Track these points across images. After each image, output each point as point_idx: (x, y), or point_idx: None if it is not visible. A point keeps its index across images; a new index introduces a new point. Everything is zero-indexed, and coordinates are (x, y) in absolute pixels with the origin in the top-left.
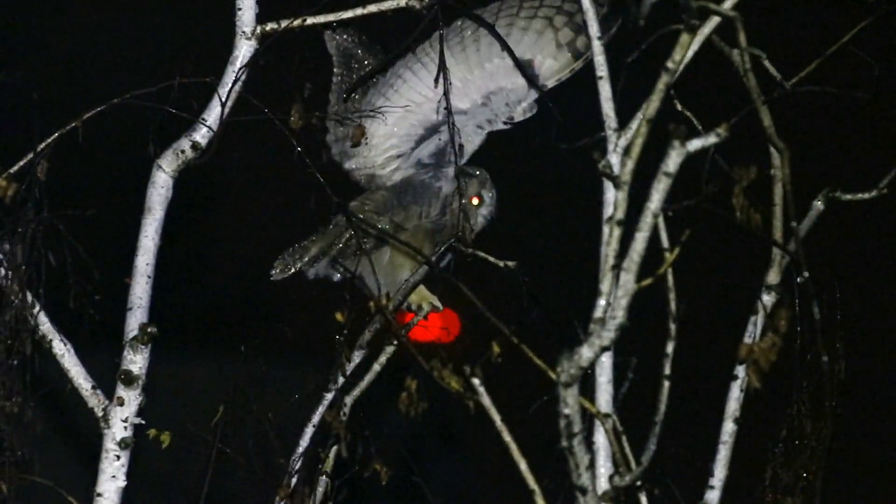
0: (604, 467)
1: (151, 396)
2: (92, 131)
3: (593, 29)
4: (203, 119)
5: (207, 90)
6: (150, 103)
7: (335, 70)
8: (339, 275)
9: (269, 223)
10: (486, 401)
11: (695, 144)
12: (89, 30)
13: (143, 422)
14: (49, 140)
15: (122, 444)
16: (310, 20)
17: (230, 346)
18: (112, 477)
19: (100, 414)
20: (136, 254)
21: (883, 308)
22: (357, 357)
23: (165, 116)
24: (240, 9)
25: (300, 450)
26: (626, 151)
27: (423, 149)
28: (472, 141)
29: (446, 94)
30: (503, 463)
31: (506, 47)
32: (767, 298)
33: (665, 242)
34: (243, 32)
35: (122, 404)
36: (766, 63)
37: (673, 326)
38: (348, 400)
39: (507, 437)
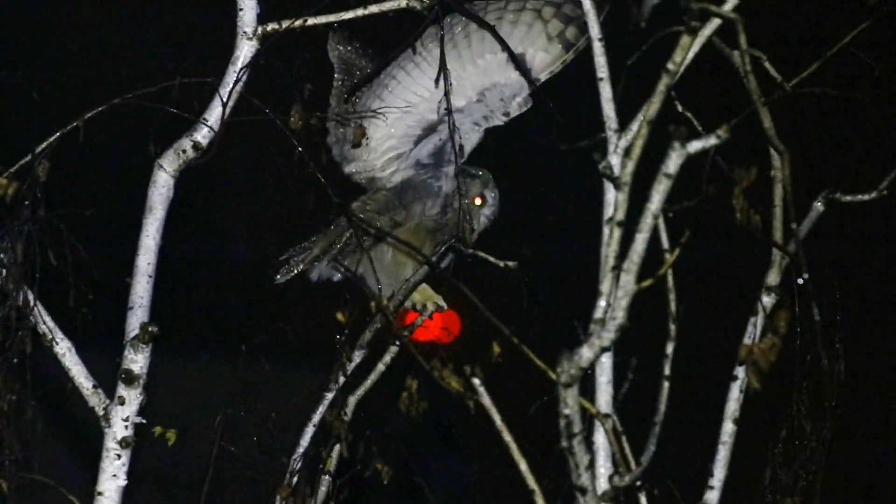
0: (604, 467)
1: (152, 396)
2: (93, 131)
3: (594, 30)
4: (204, 119)
5: (208, 90)
6: (151, 103)
7: (336, 75)
8: (340, 275)
9: (269, 223)
10: (486, 401)
11: (695, 146)
12: (90, 30)
13: (144, 421)
14: (50, 140)
15: (123, 442)
16: (311, 21)
17: (231, 346)
18: (113, 476)
19: (101, 413)
20: (138, 253)
21: (883, 308)
22: (358, 357)
23: (166, 116)
24: (241, 9)
25: (301, 449)
26: (627, 153)
27: (422, 149)
28: (469, 139)
29: (447, 94)
30: (503, 463)
31: (500, 41)
32: (767, 299)
33: (665, 243)
34: (244, 33)
35: (122, 403)
36: (767, 64)
37: (673, 327)
38: (352, 400)
39: (507, 437)
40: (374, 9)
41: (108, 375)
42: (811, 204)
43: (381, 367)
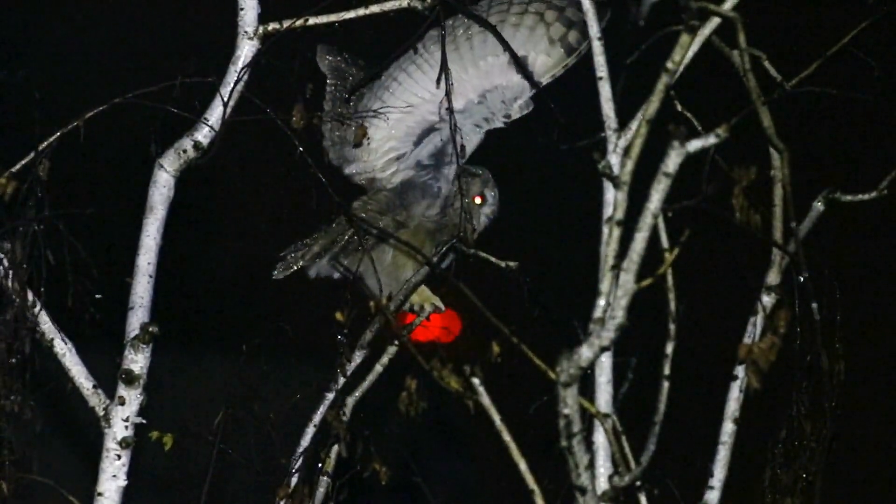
0: (603, 467)
1: (152, 396)
2: (94, 131)
3: (593, 30)
4: (205, 119)
5: (209, 90)
6: (152, 103)
7: (329, 80)
8: (339, 273)
9: (270, 223)
10: (486, 401)
11: (694, 145)
12: (91, 29)
13: (144, 421)
14: (51, 139)
15: (123, 443)
16: (312, 20)
17: (231, 346)
18: (113, 476)
19: (101, 413)
20: (138, 253)
21: (883, 308)
22: (358, 357)
23: (167, 116)
24: (242, 9)
25: (301, 449)
26: (626, 152)
27: (422, 150)
28: (470, 140)
29: (448, 94)
30: (503, 463)
31: (504, 43)
32: (767, 299)
33: (665, 243)
34: (245, 32)
35: (123, 403)
36: (766, 64)
37: (673, 326)
38: (350, 400)
39: (507, 437)
40: (374, 8)
41: (109, 376)
42: (811, 204)
43: (378, 367)
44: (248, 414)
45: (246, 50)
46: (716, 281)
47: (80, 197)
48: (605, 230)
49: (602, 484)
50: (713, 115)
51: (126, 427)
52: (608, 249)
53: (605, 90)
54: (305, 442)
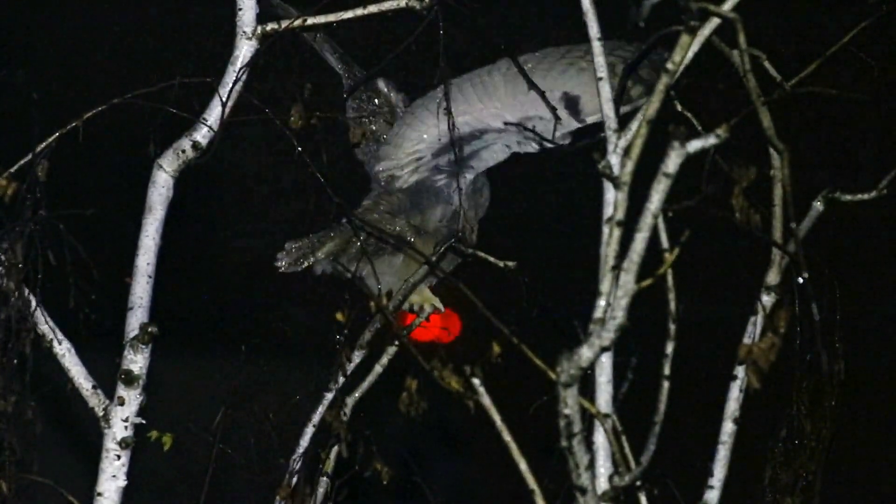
0: (603, 467)
1: (152, 396)
2: (92, 131)
3: (593, 30)
4: (204, 119)
5: (208, 90)
6: (150, 103)
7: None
8: (345, 272)
9: (270, 223)
10: (486, 401)
11: (694, 145)
12: (89, 30)
13: (144, 421)
14: (49, 140)
15: (123, 443)
16: (310, 20)
17: (230, 346)
18: (112, 476)
19: (100, 413)
20: (137, 253)
21: (883, 308)
22: (357, 357)
23: (166, 116)
24: (240, 9)
25: (300, 450)
26: (626, 152)
27: (444, 156)
28: (496, 157)
29: (447, 94)
30: (503, 463)
31: (536, 89)
32: (767, 299)
33: (665, 243)
34: (244, 32)
35: (122, 404)
36: (766, 64)
37: (673, 326)
38: (349, 400)
39: (507, 437)
40: (373, 8)
41: (108, 376)
42: (811, 204)
43: (378, 368)
44: (248, 414)
45: (244, 50)
46: (716, 281)
47: (80, 197)
48: (605, 230)
49: (602, 484)
50: (713, 116)
51: (125, 427)
52: (608, 249)
53: (605, 90)
54: (305, 442)
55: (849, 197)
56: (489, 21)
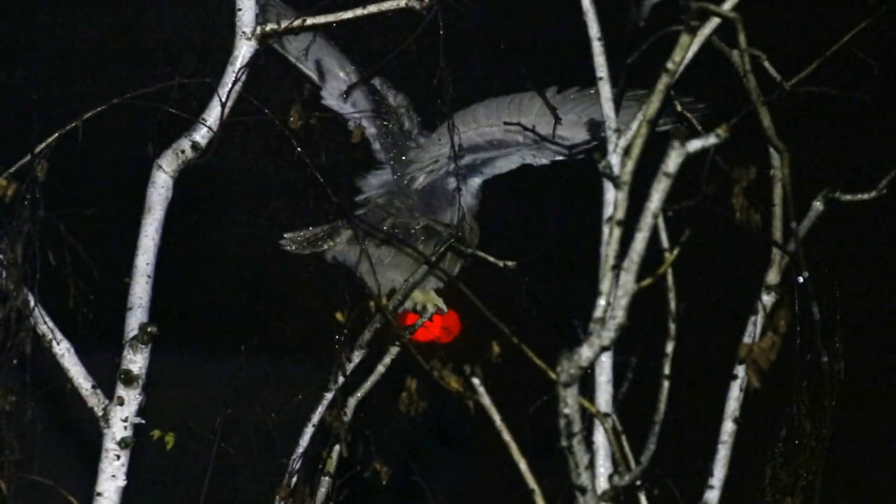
0: (603, 467)
1: (151, 396)
2: (92, 131)
3: (593, 30)
4: (203, 119)
5: (207, 90)
6: (150, 103)
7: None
8: (352, 259)
9: (270, 223)
10: (486, 401)
11: (694, 145)
12: (89, 30)
13: (143, 421)
14: (49, 140)
15: (122, 443)
16: (310, 20)
17: (230, 346)
18: (112, 476)
19: (100, 413)
20: (136, 253)
21: (883, 308)
22: (357, 357)
23: (165, 116)
24: (240, 9)
25: (301, 449)
26: (626, 152)
27: (461, 160)
28: (509, 166)
29: (444, 94)
30: (503, 463)
31: (553, 112)
32: (767, 298)
33: (665, 242)
34: (243, 33)
35: (122, 404)
36: (766, 64)
37: (673, 326)
38: (352, 401)
39: (507, 437)
40: (372, 8)
41: (108, 376)
42: (811, 203)
43: (380, 368)
44: (249, 414)
45: (244, 50)
46: (716, 281)
47: (79, 197)
48: (606, 230)
49: (602, 484)
50: (713, 116)
51: (125, 427)
52: (608, 249)
53: (605, 90)
54: (305, 442)
55: (849, 197)
56: (489, 21)
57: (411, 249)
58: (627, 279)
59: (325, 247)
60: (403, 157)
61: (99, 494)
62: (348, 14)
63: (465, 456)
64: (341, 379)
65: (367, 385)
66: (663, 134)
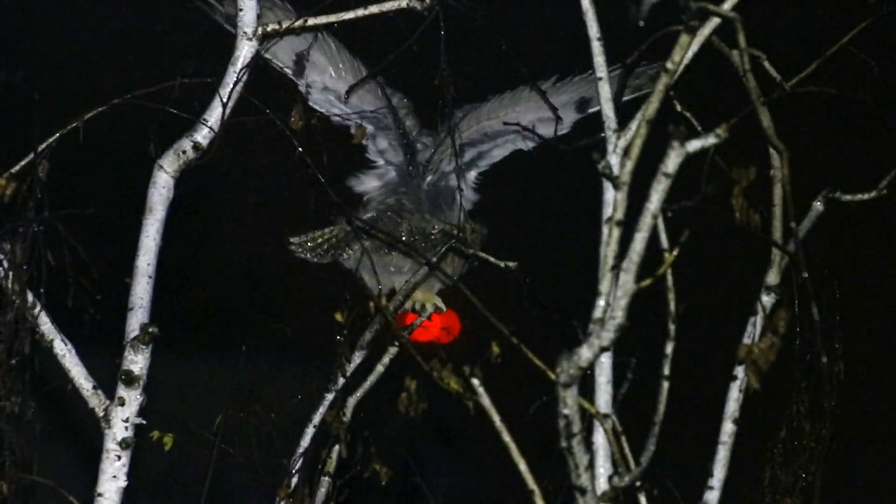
0: (603, 467)
1: (152, 396)
2: (93, 131)
3: (593, 30)
4: (204, 119)
5: (208, 90)
6: (151, 103)
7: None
8: (349, 258)
9: (269, 223)
10: (486, 401)
11: (694, 145)
12: (90, 30)
13: (144, 422)
14: (50, 140)
15: (123, 444)
16: (311, 21)
17: (230, 346)
18: (113, 477)
19: (101, 414)
20: (138, 254)
21: (883, 308)
22: (357, 357)
23: (166, 117)
24: (241, 10)
25: (301, 450)
26: (626, 152)
27: (466, 155)
28: (501, 153)
29: (444, 95)
30: (503, 463)
31: (546, 101)
32: (767, 299)
33: (664, 243)
34: (244, 33)
35: (123, 404)
36: (766, 64)
37: (672, 327)
38: (351, 401)
39: (507, 437)
40: (373, 9)
41: (109, 376)
42: (811, 204)
43: (379, 368)
44: (249, 414)
45: (245, 51)
46: (716, 281)
47: (80, 198)
48: (605, 230)
49: (602, 484)
50: (713, 115)
51: (126, 428)
52: (608, 249)
53: (604, 90)
54: (305, 442)
55: (849, 197)
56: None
57: (423, 256)
58: (627, 279)
59: (346, 255)
60: (409, 157)
61: (100, 495)
62: (349, 14)
63: (465, 456)
64: (341, 380)
65: (367, 385)
66: (663, 134)
